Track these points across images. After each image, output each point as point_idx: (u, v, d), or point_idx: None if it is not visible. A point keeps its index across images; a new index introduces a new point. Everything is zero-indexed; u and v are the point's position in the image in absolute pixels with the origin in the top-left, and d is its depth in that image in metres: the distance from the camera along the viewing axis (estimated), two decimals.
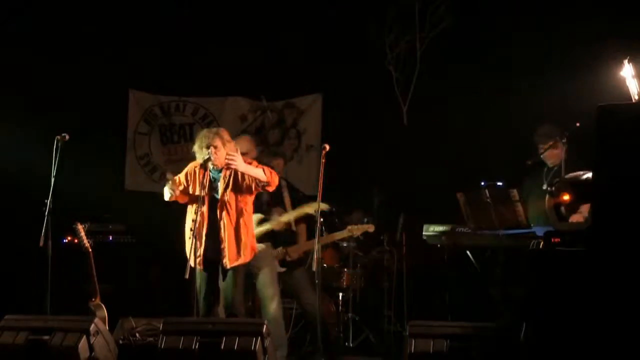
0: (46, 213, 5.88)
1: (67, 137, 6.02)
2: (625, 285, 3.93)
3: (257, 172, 5.81)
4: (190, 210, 5.92)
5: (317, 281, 5.82)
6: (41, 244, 5.84)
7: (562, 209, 4.71)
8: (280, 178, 6.23)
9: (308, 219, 6.69)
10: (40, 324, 5.37)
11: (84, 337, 5.24)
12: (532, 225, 5.92)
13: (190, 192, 5.93)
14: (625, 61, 4.37)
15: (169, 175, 5.97)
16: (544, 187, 5.50)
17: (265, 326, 5.16)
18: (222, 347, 5.06)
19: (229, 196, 5.86)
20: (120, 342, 5.90)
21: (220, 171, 5.89)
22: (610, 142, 4.06)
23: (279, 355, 6.00)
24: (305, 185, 7.83)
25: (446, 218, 6.55)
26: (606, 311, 3.95)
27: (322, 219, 6.39)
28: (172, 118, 9.39)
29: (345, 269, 7.45)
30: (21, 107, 8.45)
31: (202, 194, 5.76)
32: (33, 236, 5.92)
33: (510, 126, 7.41)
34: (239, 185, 5.87)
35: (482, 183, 6.14)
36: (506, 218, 6.02)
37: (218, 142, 5.82)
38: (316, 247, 5.75)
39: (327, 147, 5.84)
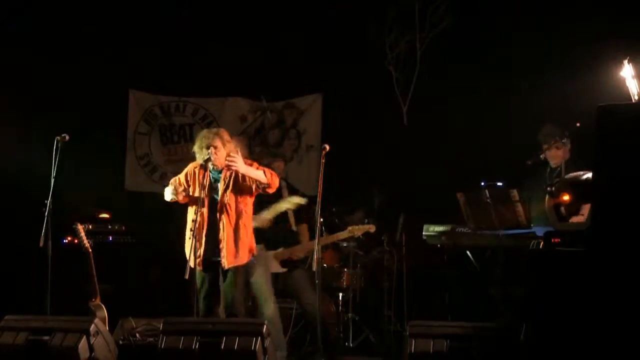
0: (46, 213, 5.88)
1: (67, 137, 6.02)
2: (625, 286, 3.93)
3: (258, 173, 5.81)
4: (191, 210, 5.92)
5: (317, 281, 5.82)
6: (41, 244, 5.83)
7: (562, 209, 4.71)
8: (280, 179, 6.23)
9: (309, 219, 6.70)
10: (40, 324, 5.38)
11: (84, 337, 5.25)
12: (535, 225, 5.91)
13: (191, 193, 5.93)
14: (625, 61, 4.37)
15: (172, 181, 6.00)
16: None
17: (265, 326, 5.17)
18: (222, 347, 5.07)
19: (229, 197, 5.86)
20: (120, 342, 5.91)
21: (220, 172, 5.89)
22: (610, 142, 4.05)
23: (279, 355, 6.00)
24: (305, 186, 7.83)
25: (446, 218, 6.55)
26: (606, 311, 3.95)
27: (321, 219, 6.39)
28: (172, 118, 9.39)
29: (345, 269, 7.45)
30: (21, 107, 8.44)
31: (202, 195, 5.76)
32: (33, 236, 5.92)
33: (510, 126, 7.40)
34: (239, 186, 5.87)
35: (482, 183, 6.15)
36: (506, 218, 6.03)
37: (218, 143, 5.82)
38: (316, 247, 5.75)
39: (327, 147, 5.84)
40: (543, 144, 6.44)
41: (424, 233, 6.59)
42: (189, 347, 5.11)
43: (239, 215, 5.87)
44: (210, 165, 5.84)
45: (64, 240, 7.65)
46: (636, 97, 4.32)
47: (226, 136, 5.91)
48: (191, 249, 5.61)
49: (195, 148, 5.91)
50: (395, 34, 8.44)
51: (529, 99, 7.43)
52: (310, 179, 8.34)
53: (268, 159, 6.85)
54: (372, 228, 6.93)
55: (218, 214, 5.84)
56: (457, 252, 6.61)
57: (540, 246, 5.09)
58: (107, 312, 6.32)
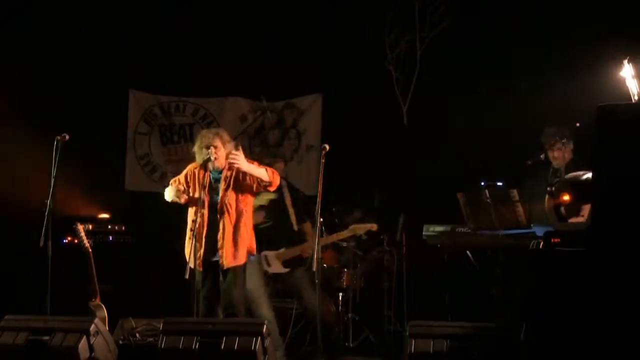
0: (46, 213, 5.87)
1: (67, 137, 6.01)
2: (624, 286, 3.93)
3: (260, 171, 5.81)
4: (191, 211, 5.92)
5: (317, 281, 5.82)
6: (41, 244, 5.83)
7: (562, 209, 4.71)
8: (280, 178, 6.23)
9: (312, 218, 6.69)
10: (40, 324, 5.37)
11: (84, 337, 5.24)
12: (535, 225, 5.91)
13: (191, 193, 5.92)
14: (625, 61, 4.37)
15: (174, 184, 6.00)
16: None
17: (265, 326, 5.17)
18: (222, 347, 5.06)
19: (230, 197, 5.85)
20: (120, 342, 5.90)
21: (220, 172, 5.89)
22: (610, 142, 4.06)
23: (279, 355, 6.00)
24: (305, 186, 7.83)
25: (446, 218, 6.55)
26: (606, 311, 3.95)
27: (321, 219, 6.39)
28: (172, 118, 9.39)
29: (345, 269, 7.45)
30: (21, 107, 8.43)
31: (202, 195, 5.76)
32: (33, 236, 5.92)
33: (510, 126, 7.40)
34: (240, 185, 5.86)
35: (482, 183, 6.15)
36: (506, 218, 6.02)
37: (218, 142, 5.82)
38: (316, 247, 5.75)
39: (327, 147, 5.83)
40: (545, 145, 6.44)
41: (423, 233, 6.59)
42: (189, 347, 5.10)
43: (239, 214, 5.86)
44: (210, 165, 5.84)
45: (64, 240, 7.65)
46: (636, 97, 4.32)
47: (226, 136, 5.91)
48: (191, 250, 5.61)
49: (195, 148, 5.91)
50: (395, 34, 8.44)
51: (529, 99, 7.43)
52: (310, 179, 8.35)
53: (268, 160, 6.85)
54: (374, 226, 6.95)
55: (218, 214, 5.83)
56: (457, 252, 6.61)
57: (540, 246, 5.09)
58: (107, 312, 6.32)
